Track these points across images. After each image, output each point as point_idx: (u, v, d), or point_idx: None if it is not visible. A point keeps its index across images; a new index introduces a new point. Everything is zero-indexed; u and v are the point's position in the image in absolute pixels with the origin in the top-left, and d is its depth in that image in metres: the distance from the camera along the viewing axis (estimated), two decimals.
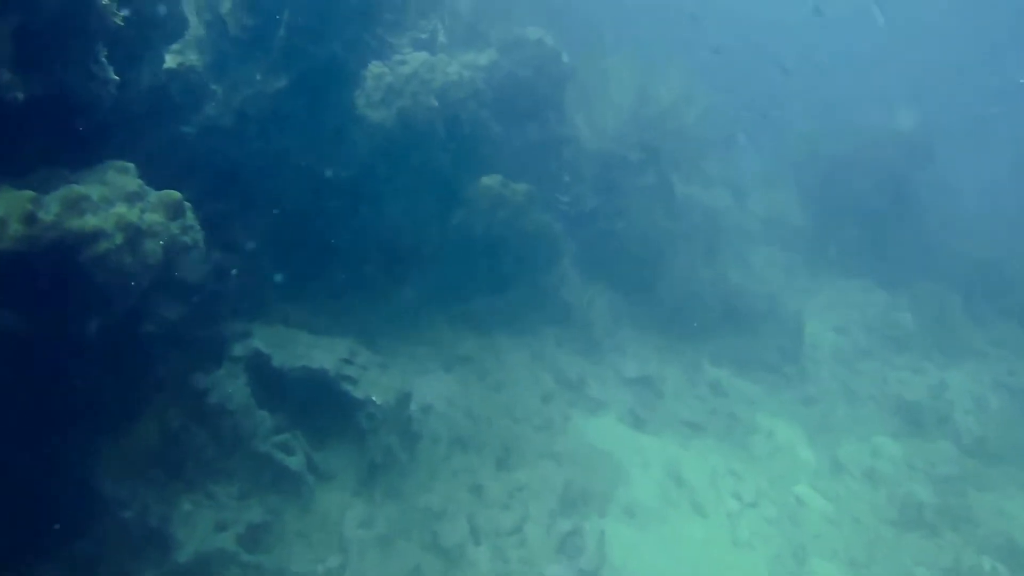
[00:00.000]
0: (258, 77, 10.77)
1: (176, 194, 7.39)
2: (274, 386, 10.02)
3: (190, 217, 7.51)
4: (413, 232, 13.00)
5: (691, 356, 16.77)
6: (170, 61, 10.61)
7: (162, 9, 9.24)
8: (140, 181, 7.23)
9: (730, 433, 14.99)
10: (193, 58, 11.12)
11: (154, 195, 7.25)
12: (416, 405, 11.61)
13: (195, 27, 11.33)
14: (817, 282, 22.45)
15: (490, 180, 14.00)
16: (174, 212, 7.28)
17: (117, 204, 6.79)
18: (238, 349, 10.00)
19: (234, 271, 10.58)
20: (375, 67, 13.63)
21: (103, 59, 7.24)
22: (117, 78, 7.38)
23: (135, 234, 6.78)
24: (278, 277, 11.44)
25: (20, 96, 6.44)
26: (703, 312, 17.27)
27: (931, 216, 24.11)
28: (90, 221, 6.47)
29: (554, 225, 14.72)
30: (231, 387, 9.50)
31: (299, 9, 10.74)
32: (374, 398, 10.24)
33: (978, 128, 37.12)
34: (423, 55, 14.37)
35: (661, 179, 17.41)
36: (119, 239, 6.62)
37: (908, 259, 22.86)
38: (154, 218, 7.02)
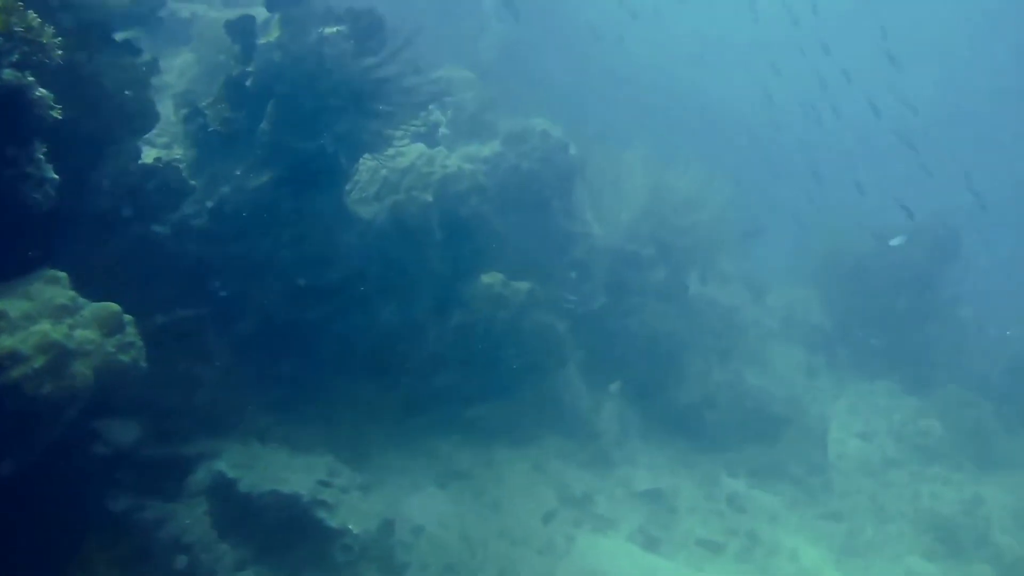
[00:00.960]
0: (238, 172, 10.02)
1: (114, 307, 6.51)
2: (240, 515, 8.98)
3: (130, 332, 6.60)
4: (407, 336, 12.08)
5: (707, 467, 15.62)
6: (150, 155, 9.95)
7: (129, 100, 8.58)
8: (72, 293, 6.37)
9: (750, 554, 13.74)
10: (178, 153, 10.47)
11: (88, 308, 6.37)
12: (405, 529, 10.57)
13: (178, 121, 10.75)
14: (840, 384, 21.33)
15: (490, 279, 13.15)
16: (111, 327, 6.39)
17: (41, 321, 5.91)
18: (200, 473, 9.01)
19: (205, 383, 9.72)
20: (368, 161, 12.98)
21: (40, 157, 6.44)
22: (56, 177, 6.56)
23: (60, 355, 5.89)
24: (256, 388, 10.54)
25: None
26: (719, 418, 16.20)
27: (959, 315, 23.05)
28: (4, 343, 5.60)
29: (558, 327, 13.78)
30: (188, 518, 8.49)
31: (285, 102, 10.05)
32: (351, 527, 9.18)
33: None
34: (420, 147, 13.72)
35: (674, 277, 16.54)
36: (39, 362, 5.73)
37: (935, 361, 21.78)
38: (86, 335, 6.13)
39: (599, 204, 15.93)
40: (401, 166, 13.28)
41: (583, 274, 15.73)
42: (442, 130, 16.20)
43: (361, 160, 12.94)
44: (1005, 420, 20.17)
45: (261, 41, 9.98)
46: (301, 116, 10.11)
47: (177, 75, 14.37)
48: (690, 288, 17.08)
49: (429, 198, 11.69)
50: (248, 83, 10.00)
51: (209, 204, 9.90)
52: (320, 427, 11.27)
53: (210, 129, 9.93)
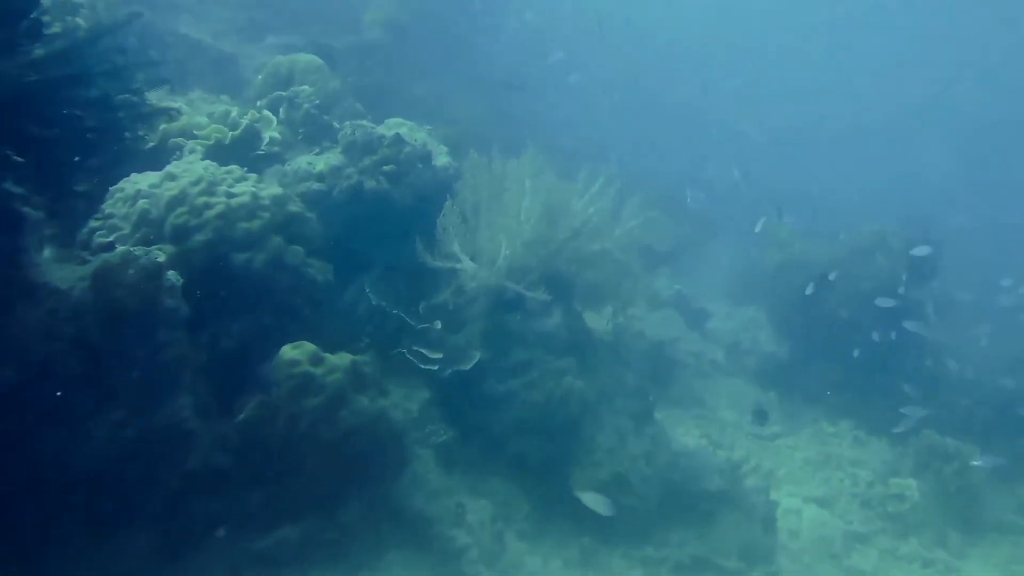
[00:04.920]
0: None
1: None
2: None
3: None
4: (143, 455, 8.26)
5: (618, 569, 12.04)
6: None
7: None
8: None
9: None
10: None
11: None
12: None
13: None
14: (794, 428, 17.78)
15: (294, 353, 9.38)
16: None
17: None
18: None
19: None
20: (122, 189, 9.26)
21: None
22: None
23: None
24: None
25: None
26: (634, 503, 12.55)
27: (935, 341, 19.47)
28: None
29: (394, 416, 10.07)
30: None
31: None
32: None
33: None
34: (203, 167, 9.94)
35: (573, 321, 12.84)
36: None
37: (908, 395, 18.27)
38: None
39: (472, 232, 12.14)
40: (169, 195, 9.50)
41: (452, 325, 12.00)
42: (270, 134, 12.35)
43: (111, 191, 9.27)
44: (992, 469, 16.73)
45: None
46: None
47: None
48: (594, 333, 13.40)
49: (160, 258, 7.83)
50: None
51: None
52: None
53: None
